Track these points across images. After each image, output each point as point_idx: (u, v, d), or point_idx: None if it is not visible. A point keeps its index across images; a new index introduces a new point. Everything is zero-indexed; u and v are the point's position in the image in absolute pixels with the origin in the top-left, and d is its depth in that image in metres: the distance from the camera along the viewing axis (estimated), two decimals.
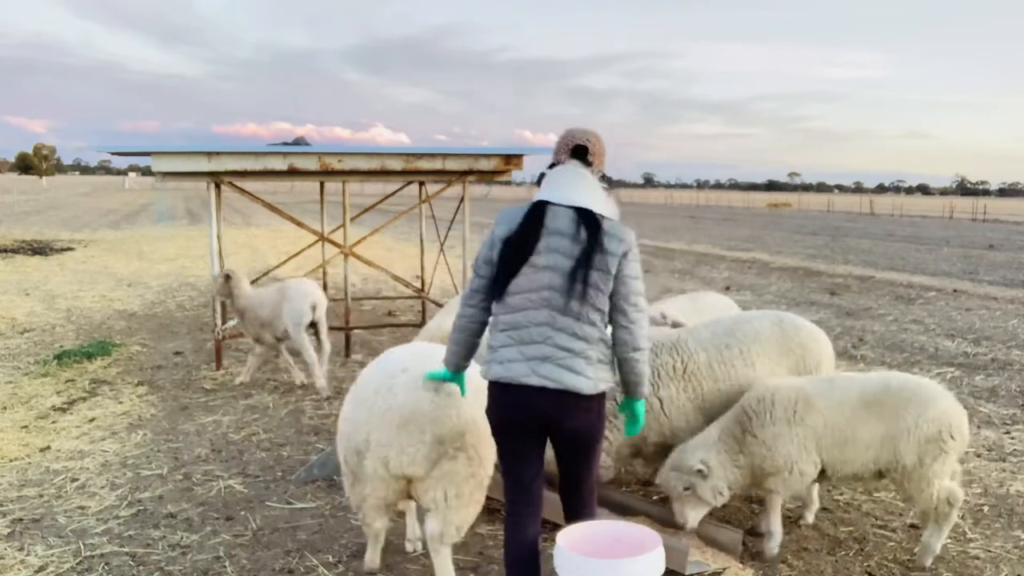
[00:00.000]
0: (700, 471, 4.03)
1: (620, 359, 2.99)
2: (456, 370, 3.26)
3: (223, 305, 8.16)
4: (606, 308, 2.92)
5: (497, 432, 3.10)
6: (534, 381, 2.89)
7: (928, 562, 4.10)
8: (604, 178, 3.13)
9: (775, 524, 4.16)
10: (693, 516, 4.12)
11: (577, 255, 2.88)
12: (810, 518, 4.62)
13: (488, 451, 3.61)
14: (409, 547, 4.25)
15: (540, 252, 2.92)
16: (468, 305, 3.11)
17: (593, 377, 2.91)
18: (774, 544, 4.14)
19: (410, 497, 3.66)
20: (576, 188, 2.97)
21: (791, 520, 4.60)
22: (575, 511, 3.11)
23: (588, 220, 2.91)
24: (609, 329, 2.99)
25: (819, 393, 4.07)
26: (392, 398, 3.49)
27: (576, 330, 2.89)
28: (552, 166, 3.13)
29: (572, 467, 3.10)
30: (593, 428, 3.02)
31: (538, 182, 3.18)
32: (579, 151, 3.08)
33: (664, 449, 4.53)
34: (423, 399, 3.45)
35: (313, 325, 7.50)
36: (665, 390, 4.43)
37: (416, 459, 3.42)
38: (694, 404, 4.49)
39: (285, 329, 7.36)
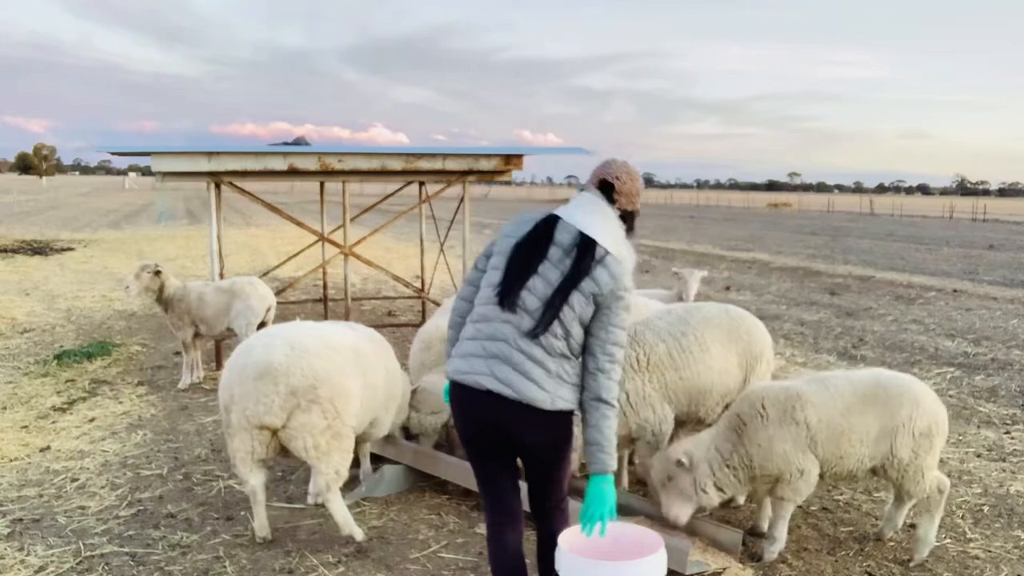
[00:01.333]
0: (680, 461, 4.04)
1: (582, 405, 2.87)
2: None
3: None
4: (573, 331, 2.81)
5: (465, 445, 3.05)
6: (490, 384, 2.80)
7: (925, 554, 4.14)
8: (626, 217, 2.99)
9: (781, 530, 4.15)
10: (677, 509, 4.08)
11: (564, 270, 2.82)
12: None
13: (345, 405, 4.06)
14: (310, 499, 4.72)
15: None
16: (461, 297, 3.10)
17: (550, 391, 2.80)
18: (775, 549, 4.14)
19: (283, 452, 4.09)
20: (589, 215, 2.91)
21: (790, 520, 4.59)
22: (541, 524, 3.09)
23: (587, 244, 2.85)
24: (575, 359, 2.88)
25: (812, 391, 4.09)
26: (248, 356, 4.03)
27: (541, 338, 2.82)
28: (584, 189, 3.08)
29: (535, 482, 3.04)
30: (554, 446, 2.91)
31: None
32: (604, 186, 3.00)
33: (628, 442, 4.62)
34: (277, 354, 3.95)
35: (261, 325, 7.59)
36: (631, 383, 4.45)
37: (272, 409, 3.88)
38: (659, 393, 4.54)
39: (228, 328, 7.36)
